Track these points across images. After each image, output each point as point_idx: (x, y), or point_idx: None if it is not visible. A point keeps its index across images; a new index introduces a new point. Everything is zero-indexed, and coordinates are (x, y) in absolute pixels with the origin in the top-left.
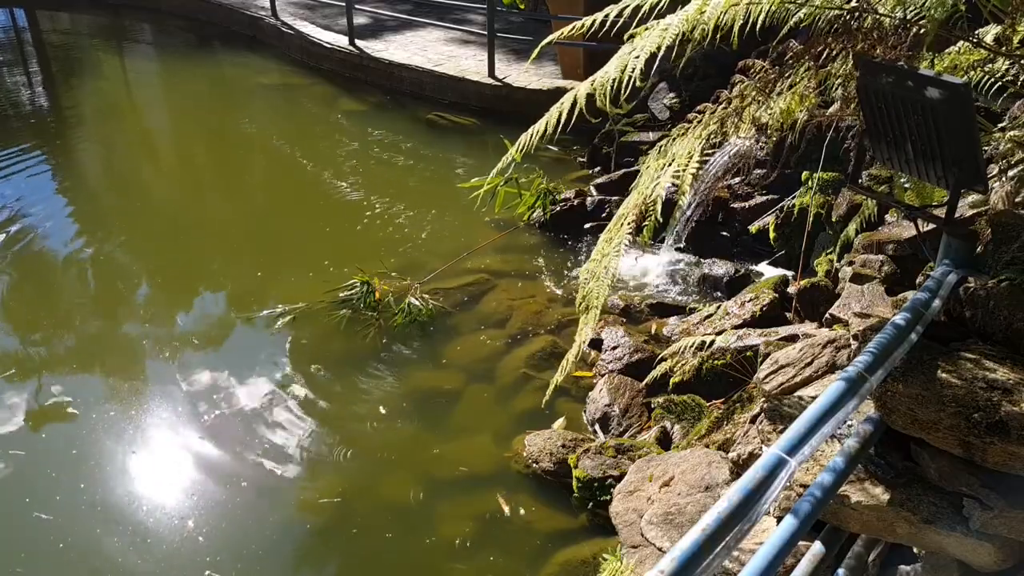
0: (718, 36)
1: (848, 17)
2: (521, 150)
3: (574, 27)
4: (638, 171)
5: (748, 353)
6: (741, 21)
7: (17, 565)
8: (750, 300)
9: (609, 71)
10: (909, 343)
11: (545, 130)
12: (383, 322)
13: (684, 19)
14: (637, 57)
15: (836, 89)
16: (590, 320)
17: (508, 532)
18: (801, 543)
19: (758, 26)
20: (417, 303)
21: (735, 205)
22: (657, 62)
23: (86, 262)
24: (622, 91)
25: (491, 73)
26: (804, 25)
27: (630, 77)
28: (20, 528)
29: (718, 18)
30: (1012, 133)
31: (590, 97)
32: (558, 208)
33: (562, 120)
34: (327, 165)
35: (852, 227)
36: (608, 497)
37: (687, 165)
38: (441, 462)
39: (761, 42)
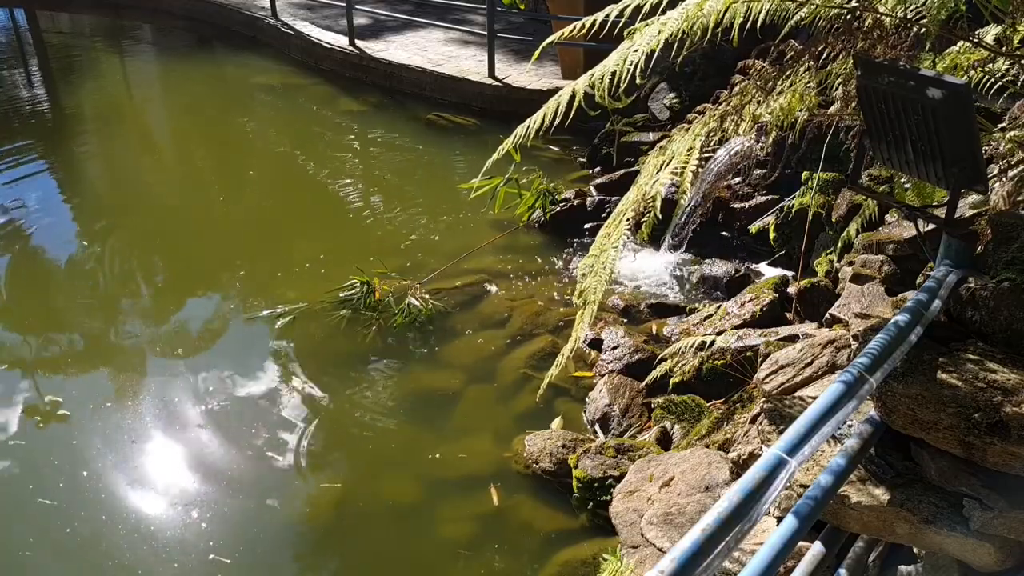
0: (719, 32)
1: (848, 16)
2: (516, 142)
3: (574, 27)
4: (638, 171)
5: (748, 353)
6: (741, 19)
7: (25, 549)
8: (750, 300)
9: (608, 65)
10: (909, 343)
11: (542, 124)
12: (383, 322)
13: (684, 15)
14: (636, 51)
15: (836, 89)
16: (587, 316)
17: (508, 532)
18: (801, 543)
19: (758, 24)
20: (417, 303)
21: (735, 205)
22: (654, 60)
23: (86, 260)
24: (620, 84)
25: (491, 73)
26: (804, 24)
27: (629, 71)
28: (25, 514)
29: (718, 14)
30: (1012, 133)
31: (588, 93)
32: (558, 208)
33: (559, 114)
34: (327, 165)
35: (852, 227)
36: (608, 497)
37: (687, 162)
38: (441, 462)
39: (761, 40)
